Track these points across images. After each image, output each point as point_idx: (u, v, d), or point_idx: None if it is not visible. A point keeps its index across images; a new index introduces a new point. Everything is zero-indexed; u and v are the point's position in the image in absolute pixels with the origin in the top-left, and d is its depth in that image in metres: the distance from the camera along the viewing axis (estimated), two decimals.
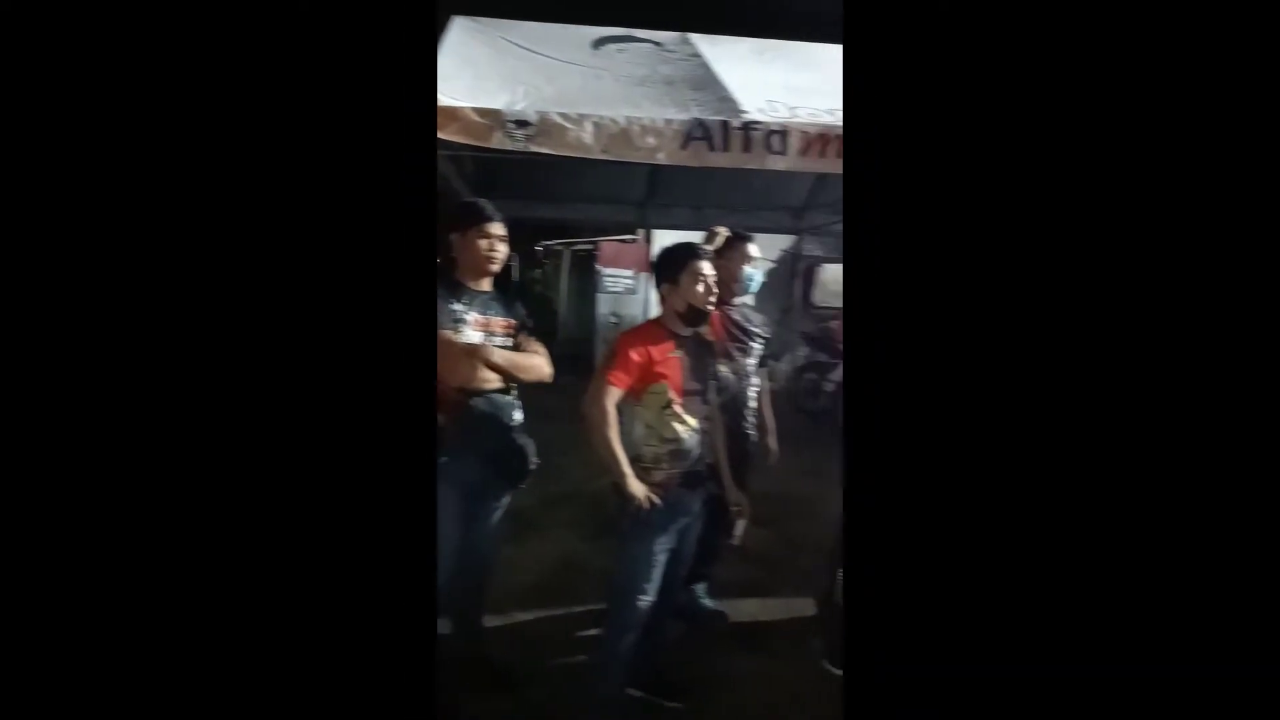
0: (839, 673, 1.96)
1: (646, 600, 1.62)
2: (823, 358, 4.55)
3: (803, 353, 5.03)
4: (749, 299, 2.07)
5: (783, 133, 1.87)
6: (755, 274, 2.00)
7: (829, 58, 2.55)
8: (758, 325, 2.06)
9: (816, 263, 5.95)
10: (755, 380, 2.08)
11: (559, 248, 8.41)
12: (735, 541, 1.78)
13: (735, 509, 1.76)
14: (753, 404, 2.08)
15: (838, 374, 2.01)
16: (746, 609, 2.31)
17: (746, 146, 1.85)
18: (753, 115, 1.90)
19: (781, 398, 4.91)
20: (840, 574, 2.07)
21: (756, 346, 2.05)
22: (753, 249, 1.99)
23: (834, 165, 1.88)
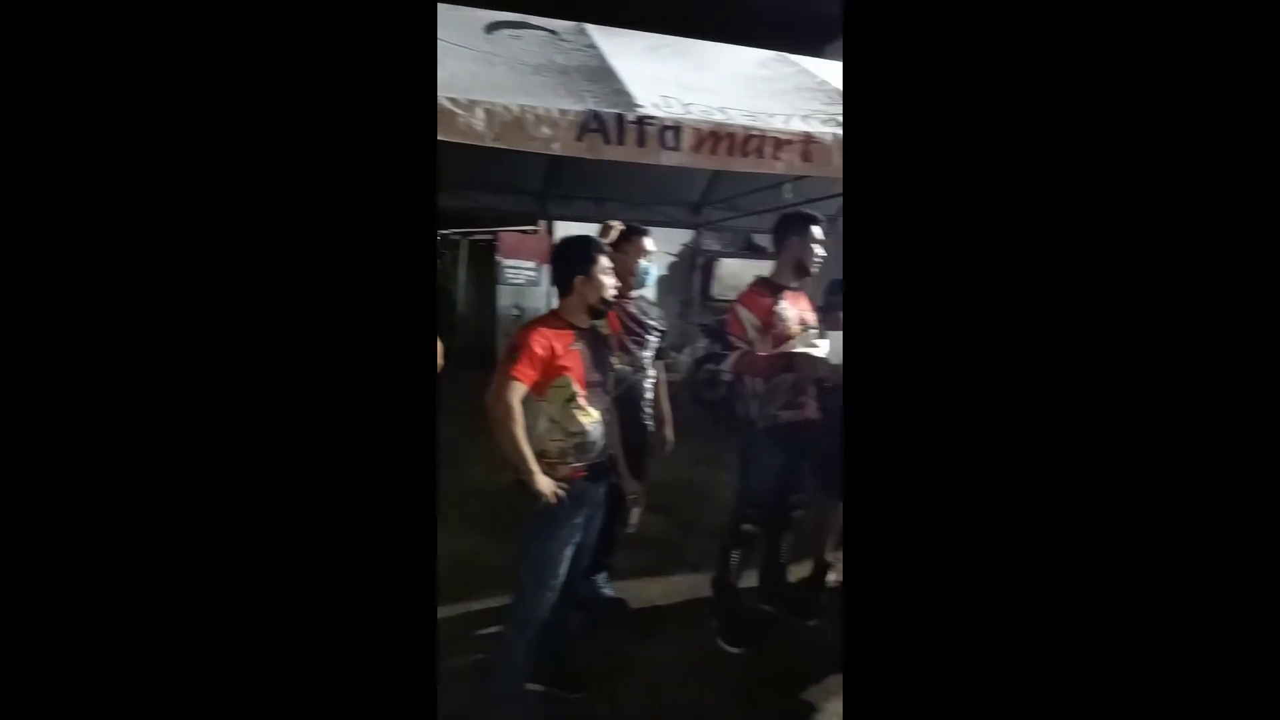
0: (735, 650, 2.05)
1: (552, 595, 1.62)
2: (719, 349, 4.71)
3: (701, 345, 5.17)
4: (645, 292, 2.11)
5: (676, 128, 1.89)
6: (650, 268, 2.04)
7: (722, 57, 2.62)
8: (654, 318, 2.10)
9: (715, 257, 6.13)
10: (652, 372, 2.12)
11: (456, 237, 8.11)
12: (631, 529, 1.82)
13: (631, 497, 1.80)
14: (649, 395, 2.12)
15: (727, 364, 2.08)
16: (646, 594, 2.36)
17: (641, 141, 1.86)
18: (647, 110, 1.92)
19: (682, 389, 5.04)
20: (734, 555, 2.17)
21: (653, 339, 2.09)
22: (648, 243, 2.03)
23: (724, 162, 1.93)
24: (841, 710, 1.82)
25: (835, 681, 1.93)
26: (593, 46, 2.33)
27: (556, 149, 1.77)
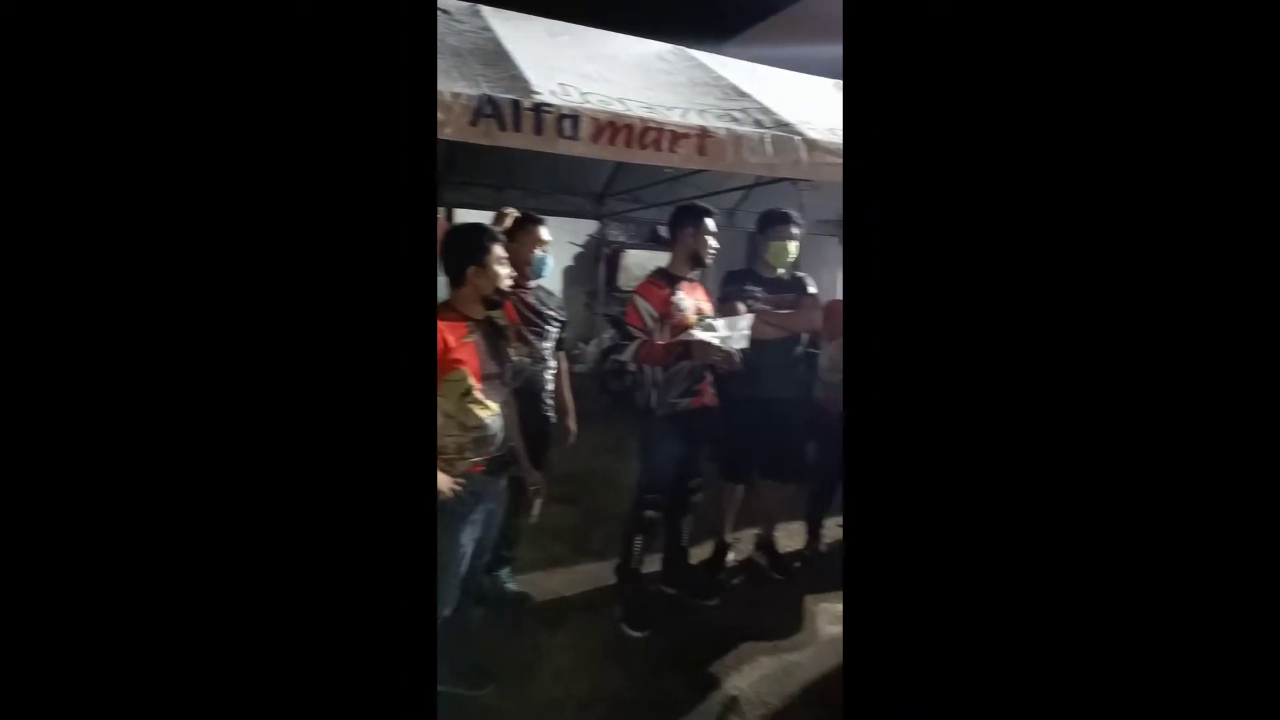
0: (638, 634, 2.09)
1: (452, 594, 1.58)
2: (621, 339, 4.75)
3: (607, 335, 5.19)
4: (546, 282, 2.08)
5: (574, 117, 1.88)
6: (546, 257, 2.02)
7: (620, 48, 2.62)
8: (553, 308, 2.08)
9: (620, 248, 6.16)
10: (553, 363, 2.11)
11: None
12: (532, 521, 1.81)
13: (533, 489, 1.79)
14: (550, 386, 2.10)
15: (628, 354, 2.11)
16: (550, 586, 2.36)
17: (538, 128, 1.83)
18: (545, 97, 1.89)
19: (590, 379, 5.04)
20: (637, 541, 2.20)
21: (553, 330, 2.07)
22: (543, 231, 2.00)
23: (622, 154, 1.94)
24: (742, 683, 1.91)
25: (735, 656, 2.02)
26: (487, 29, 2.26)
27: (449, 134, 1.70)
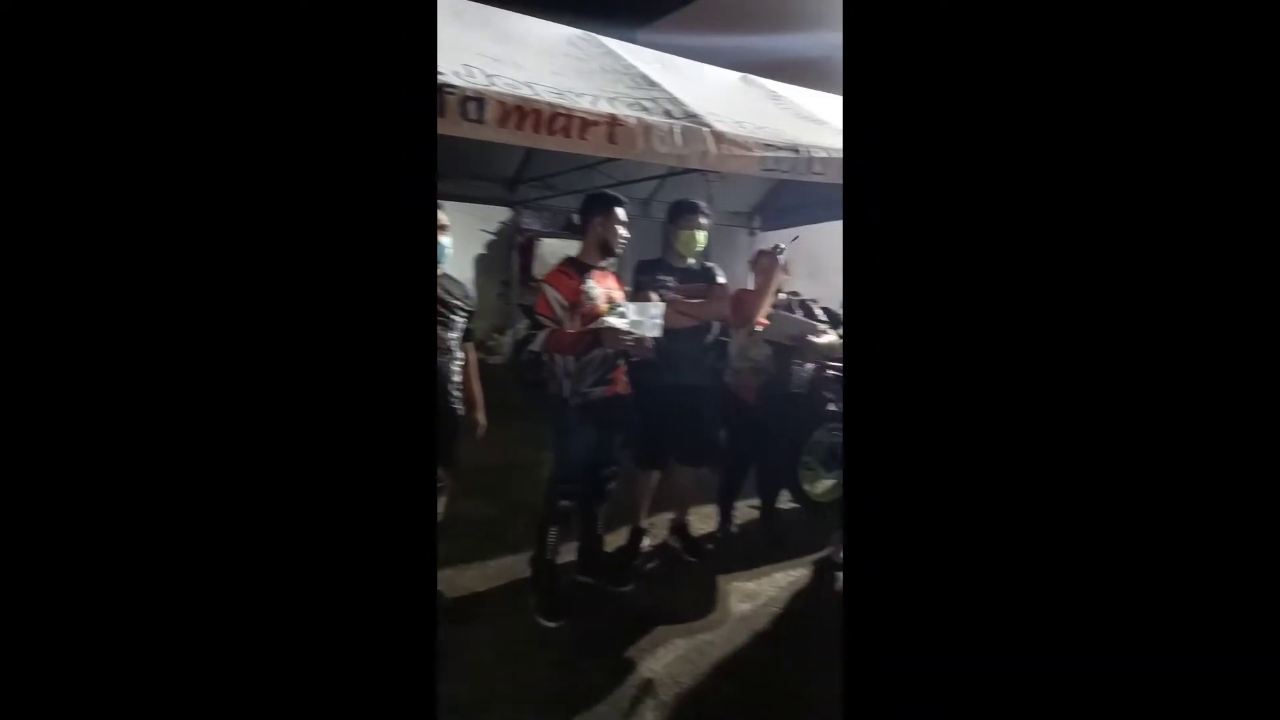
0: (552, 625, 2.08)
1: None
2: (533, 330, 4.68)
3: (523, 325, 5.11)
4: (447, 269, 2.01)
5: (479, 100, 1.82)
6: (443, 245, 1.93)
7: (529, 30, 2.56)
8: (459, 298, 2.01)
9: (535, 236, 6.05)
10: (460, 354, 2.04)
11: None
12: (437, 519, 1.76)
13: (437, 485, 1.74)
14: (457, 378, 2.04)
15: (538, 343, 2.07)
16: (461, 581, 2.31)
17: (441, 110, 1.77)
18: (448, 78, 1.82)
19: (507, 371, 4.94)
20: (552, 532, 2.19)
21: (459, 320, 2.01)
22: (440, 216, 1.93)
23: (530, 139, 1.90)
24: (656, 665, 1.94)
25: (650, 640, 2.06)
26: None
27: None
